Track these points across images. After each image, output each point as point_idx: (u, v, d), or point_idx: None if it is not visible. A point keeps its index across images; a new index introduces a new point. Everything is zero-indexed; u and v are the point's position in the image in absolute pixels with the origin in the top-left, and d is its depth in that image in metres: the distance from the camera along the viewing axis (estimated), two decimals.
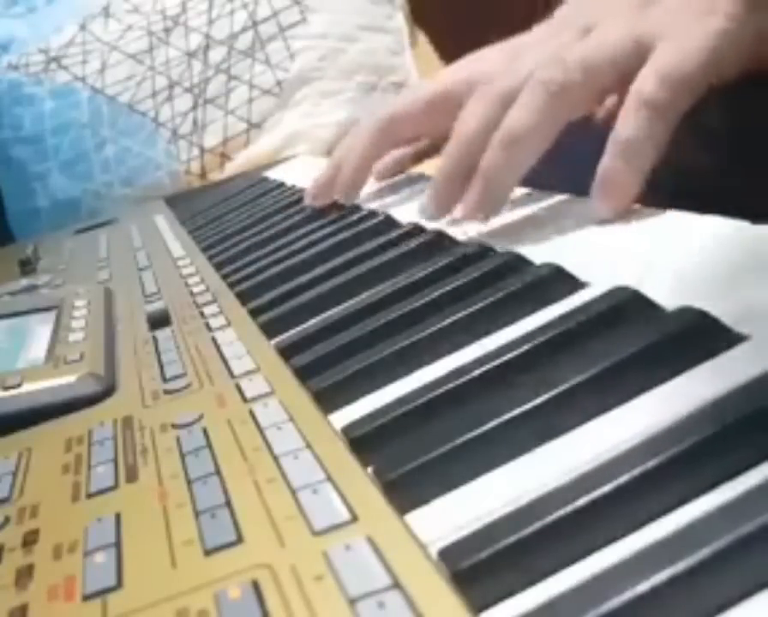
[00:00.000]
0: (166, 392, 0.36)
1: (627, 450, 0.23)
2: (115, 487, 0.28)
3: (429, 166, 0.65)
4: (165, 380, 0.37)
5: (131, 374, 0.39)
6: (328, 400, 0.32)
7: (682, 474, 0.21)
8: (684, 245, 0.34)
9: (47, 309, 0.51)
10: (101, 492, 0.28)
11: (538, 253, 0.38)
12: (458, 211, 0.45)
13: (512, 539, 0.21)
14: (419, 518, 0.23)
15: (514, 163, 0.41)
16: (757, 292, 0.28)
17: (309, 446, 0.28)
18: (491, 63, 0.50)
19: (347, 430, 0.29)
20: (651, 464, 0.21)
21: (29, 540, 0.26)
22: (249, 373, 0.35)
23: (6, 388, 0.38)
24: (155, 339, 0.43)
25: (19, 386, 0.38)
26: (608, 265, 0.35)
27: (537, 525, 0.21)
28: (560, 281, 0.34)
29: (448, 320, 0.34)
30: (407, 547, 0.22)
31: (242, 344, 0.39)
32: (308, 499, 0.24)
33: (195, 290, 0.52)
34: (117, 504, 0.27)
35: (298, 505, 0.24)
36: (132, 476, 0.29)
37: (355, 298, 0.41)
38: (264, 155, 1.18)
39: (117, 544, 0.25)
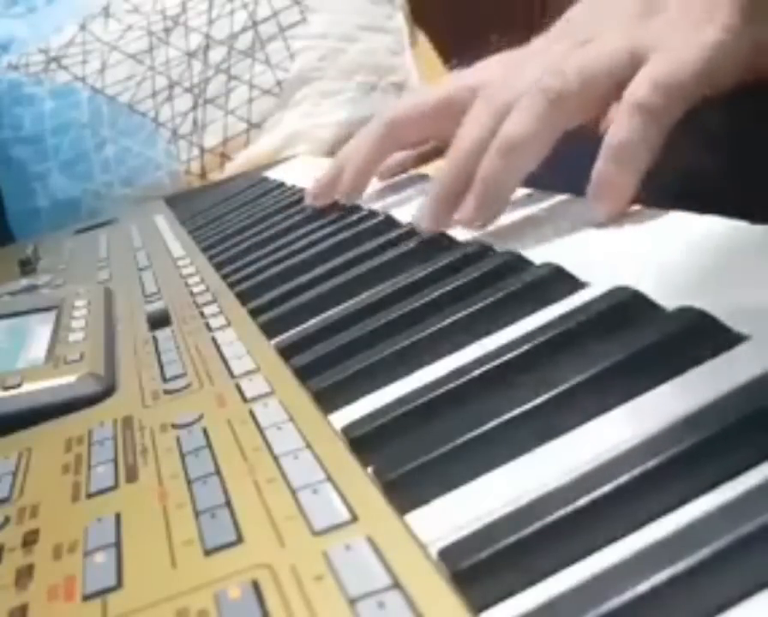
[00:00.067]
0: (166, 392, 0.36)
1: (626, 450, 0.23)
2: (115, 487, 0.28)
3: (430, 168, 0.65)
4: (164, 380, 0.37)
5: (131, 374, 0.39)
6: (328, 400, 0.32)
7: (682, 474, 0.21)
8: (684, 245, 0.34)
9: (47, 309, 0.51)
10: (101, 492, 0.28)
11: (538, 253, 0.38)
12: (456, 215, 0.45)
13: (512, 539, 0.21)
14: (419, 518, 0.23)
15: (513, 169, 0.42)
16: (757, 292, 0.28)
17: (309, 446, 0.28)
18: (495, 73, 0.50)
19: (347, 430, 0.29)
20: (650, 464, 0.21)
21: (29, 540, 0.26)
22: (248, 373, 0.35)
23: (6, 388, 0.38)
24: (155, 339, 0.43)
25: (19, 386, 0.38)
26: (608, 265, 0.35)
27: (537, 525, 0.21)
28: (560, 281, 0.34)
29: (448, 320, 0.34)
30: (407, 547, 0.22)
31: (242, 344, 0.39)
32: (308, 499, 0.24)
33: (195, 290, 0.52)
34: (117, 504, 0.27)
35: (298, 505, 0.24)
36: (132, 476, 0.29)
37: (355, 298, 0.41)
38: (264, 155, 1.18)
39: (117, 544, 0.25)
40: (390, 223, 0.52)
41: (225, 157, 1.21)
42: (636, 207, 0.39)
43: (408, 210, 0.54)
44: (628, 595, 0.18)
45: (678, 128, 0.38)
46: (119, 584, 0.23)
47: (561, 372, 0.27)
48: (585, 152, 0.40)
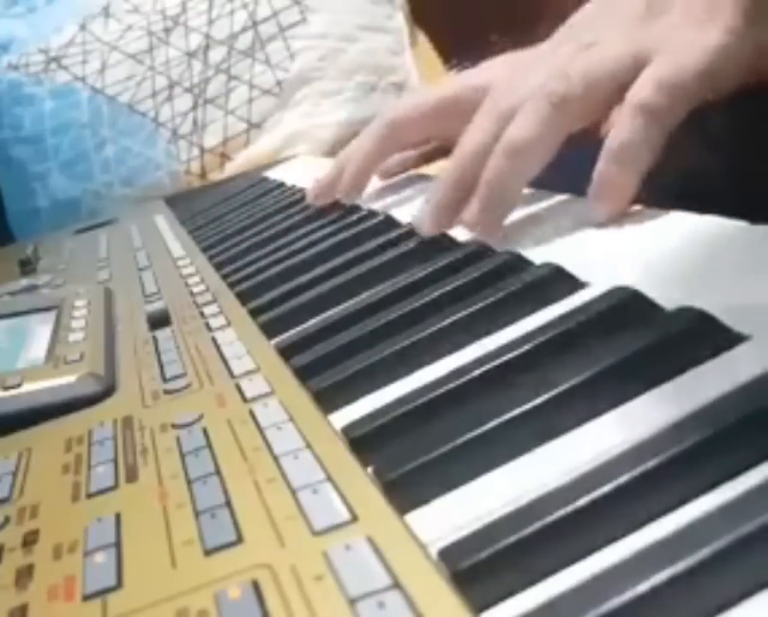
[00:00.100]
0: (166, 392, 0.36)
1: (626, 450, 0.23)
2: (115, 487, 0.28)
3: (431, 168, 0.65)
4: (164, 380, 0.37)
5: (131, 374, 0.39)
6: (328, 400, 0.32)
7: (682, 474, 0.21)
8: (684, 245, 0.34)
9: (47, 309, 0.51)
10: (101, 492, 0.28)
11: (538, 253, 0.38)
12: (462, 217, 0.45)
13: (512, 539, 0.21)
14: (419, 518, 0.23)
15: (517, 172, 0.42)
16: (757, 292, 0.28)
17: (309, 446, 0.28)
18: (500, 74, 0.50)
19: (347, 430, 0.29)
20: (650, 464, 0.21)
21: (29, 540, 0.26)
22: (248, 373, 0.35)
23: (6, 388, 0.38)
24: (155, 339, 0.43)
25: (19, 386, 0.38)
26: (608, 265, 0.35)
27: (537, 525, 0.21)
28: (560, 281, 0.34)
29: (448, 320, 0.34)
30: (407, 547, 0.22)
31: (242, 344, 0.39)
32: (308, 499, 0.24)
33: (195, 290, 0.52)
34: (117, 504, 0.27)
35: (298, 505, 0.24)
36: (132, 476, 0.29)
37: (355, 298, 0.41)
38: (264, 155, 1.18)
39: (117, 544, 0.25)
40: (390, 223, 0.52)
41: (224, 157, 1.21)
42: (636, 207, 0.39)
43: (408, 210, 0.54)
44: (628, 595, 0.18)
45: (679, 129, 0.38)
46: (119, 584, 0.23)
47: (561, 372, 0.27)
48: (586, 154, 0.40)
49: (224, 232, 0.70)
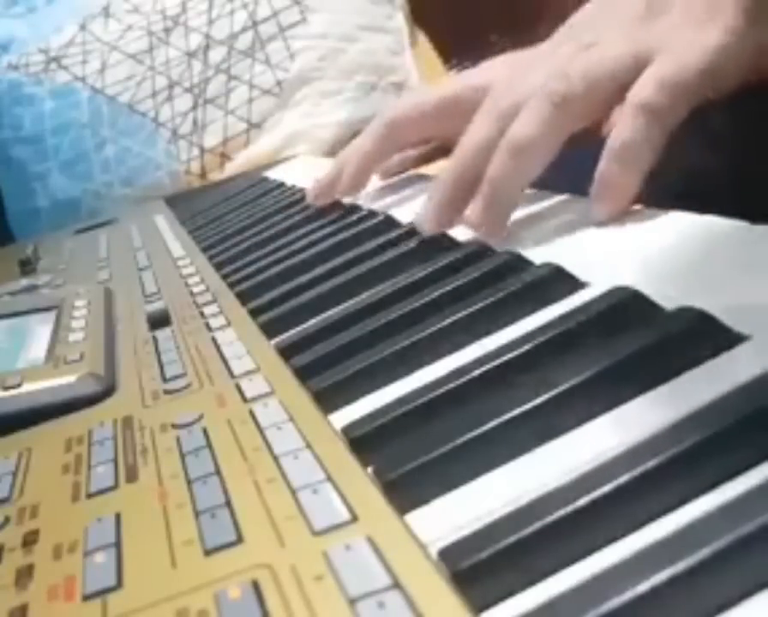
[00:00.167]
0: (166, 392, 0.36)
1: (626, 450, 0.23)
2: (115, 487, 0.28)
3: (431, 168, 0.65)
4: (164, 380, 0.37)
5: (131, 374, 0.39)
6: (328, 400, 0.32)
7: (682, 474, 0.21)
8: (684, 245, 0.34)
9: (47, 309, 0.51)
10: (101, 492, 0.28)
11: (538, 253, 0.38)
12: (465, 216, 0.45)
13: (512, 539, 0.21)
14: (419, 518, 0.23)
15: (520, 172, 0.42)
16: (757, 292, 0.28)
17: (309, 446, 0.28)
18: (500, 74, 0.50)
19: (347, 430, 0.29)
20: (650, 464, 0.21)
21: (29, 540, 0.26)
22: (248, 373, 0.35)
23: (6, 388, 0.38)
24: (155, 339, 0.43)
25: (19, 386, 0.38)
26: (608, 265, 0.35)
27: (537, 525, 0.21)
28: (560, 281, 0.34)
29: (448, 320, 0.34)
30: (407, 547, 0.22)
31: (242, 344, 0.39)
32: (308, 499, 0.24)
33: (195, 290, 0.52)
34: (117, 504, 0.27)
35: (298, 505, 0.24)
36: (132, 476, 0.29)
37: (355, 298, 0.41)
38: (264, 155, 1.18)
39: (117, 544, 0.25)
40: (390, 223, 0.52)
41: (224, 157, 1.21)
42: (636, 207, 0.39)
43: (408, 210, 0.54)
44: (628, 595, 0.18)
45: (680, 128, 0.38)
46: (119, 584, 0.23)
47: (561, 372, 0.27)
48: (587, 154, 0.40)
49: (224, 232, 0.70)
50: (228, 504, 0.25)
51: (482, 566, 0.20)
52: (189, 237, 0.73)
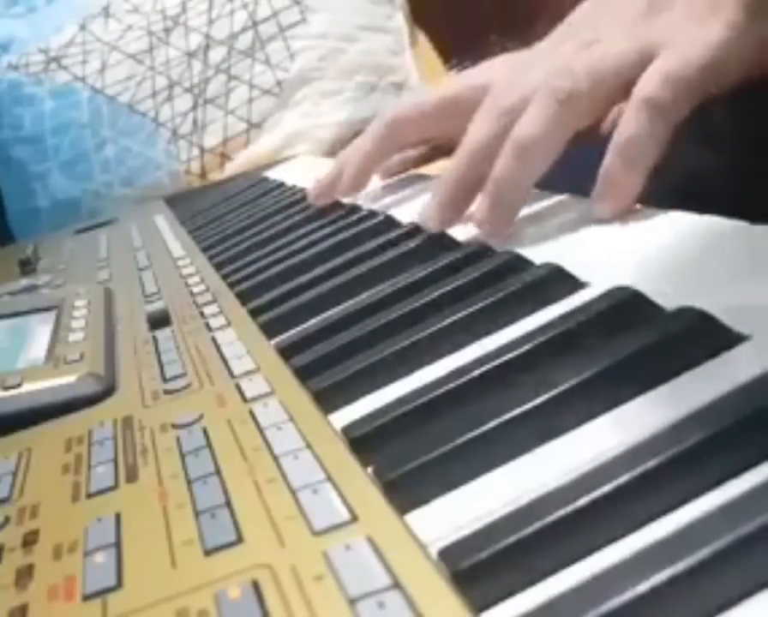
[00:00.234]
0: (166, 392, 0.36)
1: (627, 450, 0.23)
2: (115, 487, 0.28)
3: (431, 168, 0.65)
4: (164, 380, 0.37)
5: (131, 374, 0.39)
6: (328, 400, 0.32)
7: (682, 474, 0.21)
8: (684, 245, 0.34)
9: (47, 309, 0.51)
10: (101, 492, 0.28)
11: (538, 253, 0.38)
12: (474, 213, 0.45)
13: (512, 539, 0.21)
14: (419, 518, 0.23)
15: (526, 170, 0.42)
16: (757, 292, 0.28)
17: (309, 446, 0.28)
18: (500, 74, 0.50)
19: (347, 430, 0.29)
20: (650, 464, 0.21)
21: (29, 540, 0.26)
22: (248, 373, 0.35)
23: (6, 388, 0.38)
24: (155, 339, 0.43)
25: (19, 386, 0.38)
26: (608, 265, 0.35)
27: (537, 525, 0.21)
28: (560, 281, 0.34)
29: (448, 320, 0.34)
30: (407, 547, 0.22)
31: (242, 344, 0.39)
32: (308, 499, 0.24)
33: (195, 290, 0.52)
34: (117, 504, 0.27)
35: (298, 505, 0.24)
36: (132, 476, 0.29)
37: (355, 298, 0.41)
38: (264, 155, 1.18)
39: (117, 544, 0.25)
40: (390, 223, 0.52)
41: (225, 157, 1.21)
42: (636, 207, 0.39)
43: (408, 210, 0.54)
44: (628, 595, 0.18)
45: (680, 127, 0.38)
46: (119, 584, 0.23)
47: (561, 372, 0.27)
48: (586, 152, 0.40)
49: (224, 232, 0.70)
50: (228, 504, 0.25)
51: (482, 566, 0.20)
52: (188, 237, 0.73)
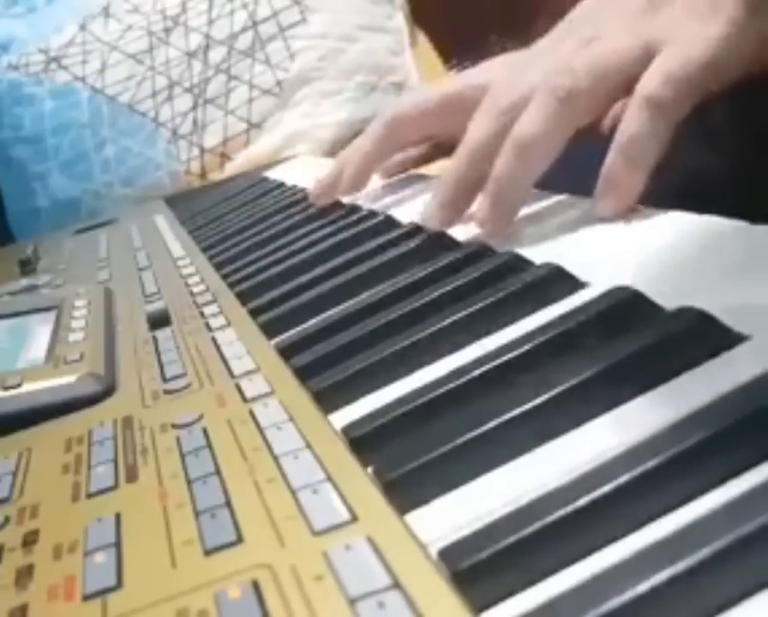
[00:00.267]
0: (166, 392, 0.36)
1: (627, 450, 0.23)
2: (115, 487, 0.28)
3: (431, 168, 0.65)
4: (164, 380, 0.37)
5: (131, 374, 0.39)
6: (328, 400, 0.32)
7: (682, 474, 0.21)
8: (684, 245, 0.34)
9: (47, 309, 0.51)
10: (101, 492, 0.28)
11: (538, 253, 0.38)
12: (475, 212, 0.45)
13: (512, 539, 0.21)
14: (419, 518, 0.23)
15: (527, 169, 0.42)
16: (757, 292, 0.28)
17: (309, 446, 0.28)
18: (500, 73, 0.50)
19: (347, 430, 0.29)
20: (650, 464, 0.21)
21: (29, 540, 0.26)
22: (248, 373, 0.35)
23: (6, 388, 0.38)
24: (155, 339, 0.43)
25: (19, 386, 0.38)
26: (608, 265, 0.35)
27: (537, 525, 0.21)
28: (560, 281, 0.34)
29: (448, 320, 0.34)
30: (407, 547, 0.22)
31: (242, 344, 0.39)
32: (308, 499, 0.24)
33: (195, 290, 0.52)
34: (117, 504, 0.27)
35: (298, 505, 0.24)
36: (132, 476, 0.29)
37: (355, 298, 0.41)
38: (264, 155, 1.18)
39: (117, 544, 0.25)
40: (390, 223, 0.52)
41: (225, 157, 1.21)
42: (636, 207, 0.39)
43: (408, 210, 0.54)
44: (628, 595, 0.18)
45: (680, 126, 0.38)
46: (119, 584, 0.23)
47: (561, 372, 0.27)
48: (587, 151, 0.40)
49: (224, 232, 0.70)
50: (228, 504, 0.25)
51: (482, 566, 0.20)
52: (189, 237, 0.73)
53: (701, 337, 0.26)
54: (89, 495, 0.28)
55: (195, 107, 1.23)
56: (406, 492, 0.24)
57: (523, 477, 0.24)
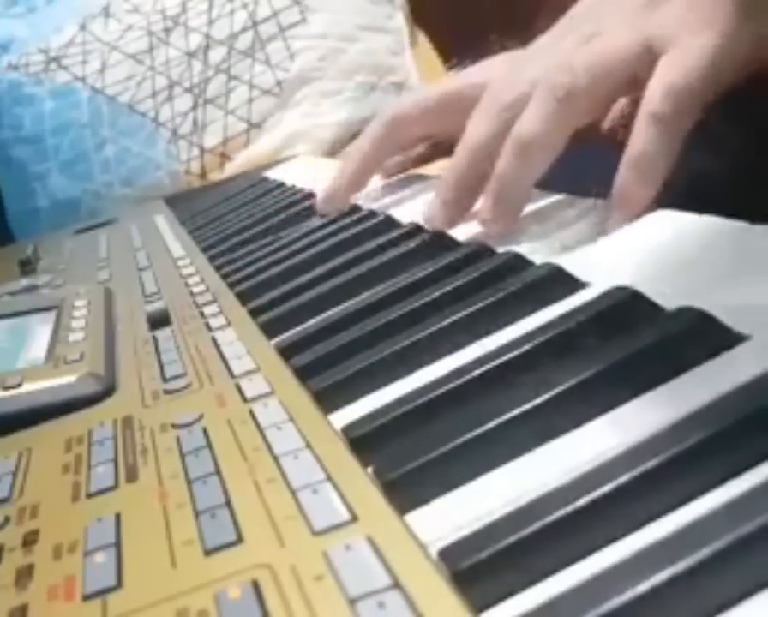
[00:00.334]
0: (166, 392, 0.36)
1: (627, 450, 0.23)
2: (115, 487, 0.28)
3: (431, 168, 0.65)
4: (164, 380, 0.37)
5: (131, 374, 0.39)
6: (328, 400, 0.32)
7: (682, 474, 0.21)
8: (684, 245, 0.34)
9: (47, 309, 0.51)
10: (101, 492, 0.28)
11: (538, 253, 0.38)
12: (478, 212, 0.45)
13: (512, 539, 0.21)
14: (419, 518, 0.23)
15: (527, 169, 0.42)
16: (757, 292, 0.28)
17: (309, 446, 0.28)
18: (500, 71, 0.50)
19: (347, 430, 0.29)
20: (650, 464, 0.21)
21: (29, 540, 0.26)
22: (248, 373, 0.35)
23: (6, 388, 0.38)
24: (155, 339, 0.43)
25: (19, 386, 0.38)
26: (608, 265, 0.35)
27: (537, 525, 0.21)
28: (560, 281, 0.34)
29: (448, 320, 0.34)
30: (407, 547, 0.22)
31: (242, 344, 0.39)
32: (308, 499, 0.24)
33: (195, 290, 0.52)
34: (117, 504, 0.27)
35: (298, 505, 0.24)
36: (132, 476, 0.29)
37: (355, 298, 0.41)
38: (264, 155, 1.18)
39: (117, 544, 0.25)
40: (390, 223, 0.52)
41: (225, 157, 1.21)
42: None
43: (408, 210, 0.54)
44: (628, 595, 0.18)
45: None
46: (119, 584, 0.23)
47: (561, 372, 0.27)
48: (586, 152, 0.40)
49: (224, 232, 0.70)
50: (228, 504, 0.25)
51: (482, 566, 0.20)
52: (189, 237, 0.73)
53: (701, 337, 0.26)
54: (89, 495, 0.28)
55: (195, 107, 1.23)
56: (406, 492, 0.24)
57: (523, 477, 0.24)
